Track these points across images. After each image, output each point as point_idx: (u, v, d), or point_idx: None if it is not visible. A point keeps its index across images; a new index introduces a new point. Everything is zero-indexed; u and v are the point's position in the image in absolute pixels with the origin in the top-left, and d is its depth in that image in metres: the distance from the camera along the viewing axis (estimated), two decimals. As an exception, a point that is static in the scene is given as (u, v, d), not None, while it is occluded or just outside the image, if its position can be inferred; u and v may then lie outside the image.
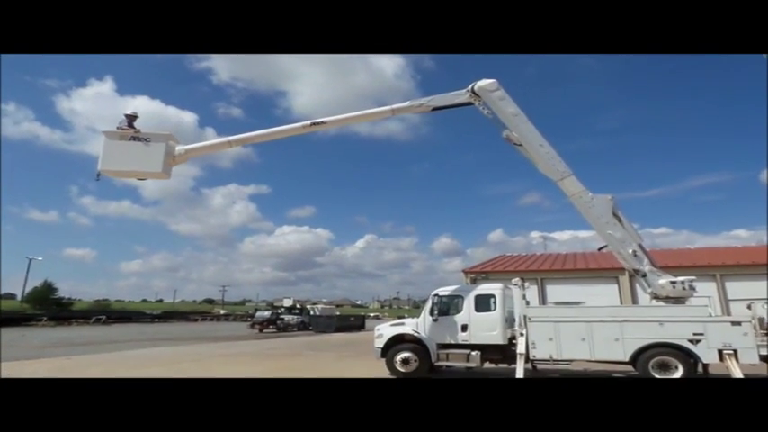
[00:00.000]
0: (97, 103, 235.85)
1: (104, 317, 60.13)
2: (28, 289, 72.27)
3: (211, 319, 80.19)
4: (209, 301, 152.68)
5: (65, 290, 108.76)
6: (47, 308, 61.89)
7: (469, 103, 13.48)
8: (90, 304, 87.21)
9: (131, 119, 11.52)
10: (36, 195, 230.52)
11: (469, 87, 13.42)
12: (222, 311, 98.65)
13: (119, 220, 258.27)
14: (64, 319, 55.16)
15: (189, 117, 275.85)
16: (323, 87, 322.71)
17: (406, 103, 13.43)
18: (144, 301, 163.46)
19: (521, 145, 13.45)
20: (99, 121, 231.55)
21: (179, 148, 11.74)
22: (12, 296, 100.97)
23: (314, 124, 12.59)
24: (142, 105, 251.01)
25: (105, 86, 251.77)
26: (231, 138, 12.33)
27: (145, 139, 11.15)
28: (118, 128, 11.35)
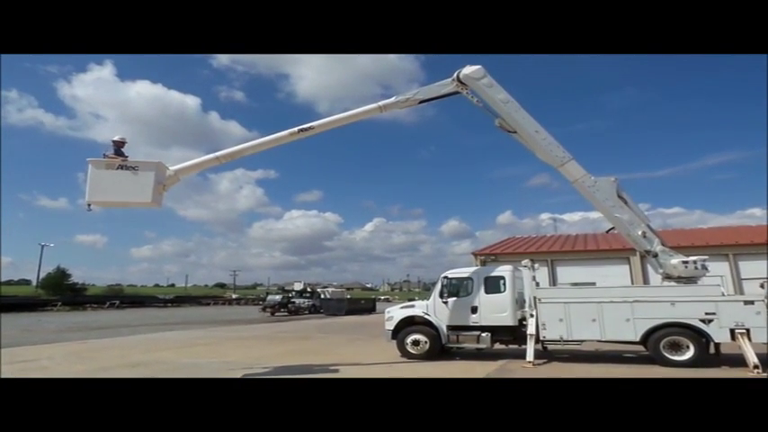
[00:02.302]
0: (99, 88, 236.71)
1: (118, 302, 61.06)
2: (42, 275, 73.59)
3: (223, 304, 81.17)
4: (221, 286, 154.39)
5: (78, 275, 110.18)
6: (61, 293, 62.87)
7: (457, 93, 13.08)
8: (103, 289, 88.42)
9: (119, 145, 11.15)
10: (45, 182, 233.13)
11: (455, 76, 12.97)
12: (234, 296, 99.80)
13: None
14: (78, 304, 56.12)
15: (192, 101, 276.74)
16: (326, 70, 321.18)
17: (393, 99, 13.08)
18: (156, 285, 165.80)
19: (515, 132, 13.19)
20: (101, 106, 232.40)
21: (168, 171, 11.48)
22: (27, 282, 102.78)
23: (301, 131, 12.30)
24: (144, 90, 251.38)
25: (105, 71, 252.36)
26: (219, 153, 12.17)
27: (133, 168, 10.75)
28: (104, 155, 10.95)
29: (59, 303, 52.82)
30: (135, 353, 15.17)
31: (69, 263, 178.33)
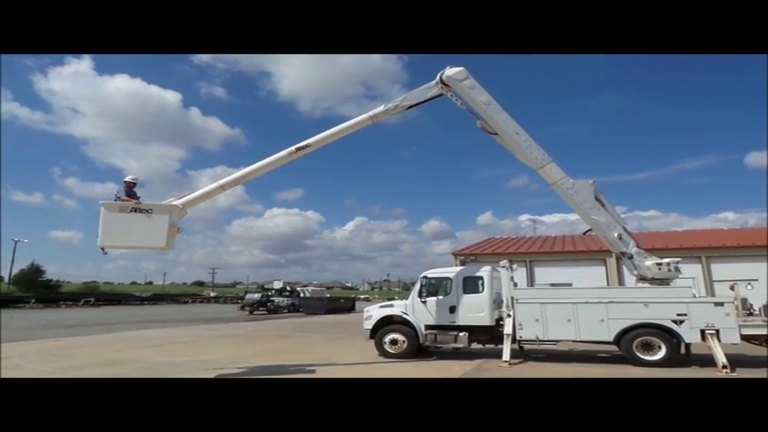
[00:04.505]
0: (76, 82, 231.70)
1: (93, 299, 60.01)
2: (15, 271, 71.73)
3: (201, 302, 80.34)
4: (200, 284, 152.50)
5: (52, 272, 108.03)
6: (35, 290, 61.53)
7: (441, 95, 13.30)
8: (78, 287, 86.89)
9: (130, 186, 10.90)
10: (19, 177, 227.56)
11: (438, 77, 13.20)
12: (212, 294, 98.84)
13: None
14: (52, 301, 54.98)
15: (172, 96, 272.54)
16: (309, 69, 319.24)
17: (382, 108, 13.26)
18: (133, 283, 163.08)
19: (496, 134, 13.38)
20: (79, 100, 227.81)
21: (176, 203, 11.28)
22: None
23: (299, 149, 12.52)
24: (123, 84, 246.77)
25: (83, 65, 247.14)
26: (223, 181, 12.19)
27: (147, 211, 10.52)
28: (117, 198, 10.69)
29: (33, 300, 51.69)
30: (110, 351, 14.93)
31: (44, 259, 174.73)
